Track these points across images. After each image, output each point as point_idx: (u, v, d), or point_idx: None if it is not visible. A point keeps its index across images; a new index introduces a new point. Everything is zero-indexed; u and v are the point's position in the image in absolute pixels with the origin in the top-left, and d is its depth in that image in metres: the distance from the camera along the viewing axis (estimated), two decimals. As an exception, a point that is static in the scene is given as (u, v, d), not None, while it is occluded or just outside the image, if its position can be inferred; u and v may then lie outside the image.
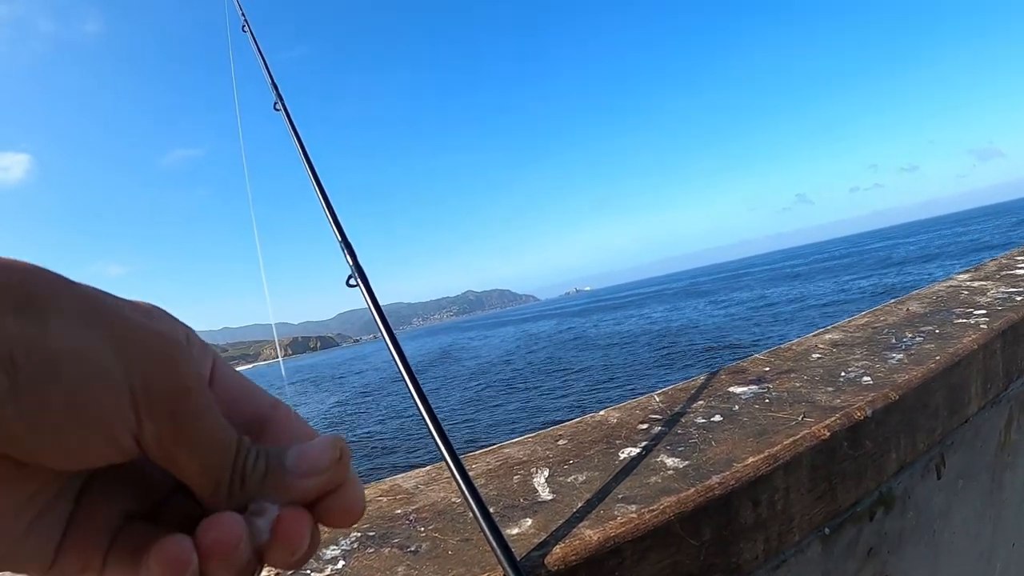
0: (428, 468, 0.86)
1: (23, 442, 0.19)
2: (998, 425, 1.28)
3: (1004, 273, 1.53)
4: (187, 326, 0.26)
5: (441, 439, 0.76)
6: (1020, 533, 1.44)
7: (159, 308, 0.25)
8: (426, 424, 0.76)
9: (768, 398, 0.92)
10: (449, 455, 0.76)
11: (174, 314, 0.26)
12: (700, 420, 0.87)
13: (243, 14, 1.43)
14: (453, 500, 0.78)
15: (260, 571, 0.24)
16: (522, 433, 0.93)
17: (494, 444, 0.88)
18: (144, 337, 0.21)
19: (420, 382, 0.71)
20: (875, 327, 1.22)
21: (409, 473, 0.86)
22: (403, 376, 0.71)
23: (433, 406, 0.76)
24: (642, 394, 1.01)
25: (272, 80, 1.28)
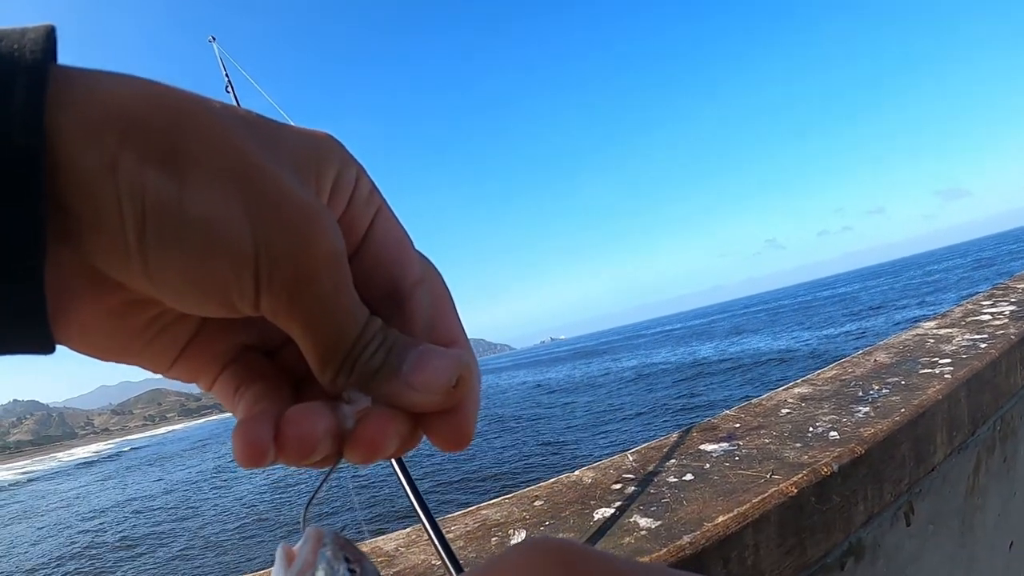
0: (408, 530, 0.88)
1: (144, 289, 0.20)
2: (966, 470, 1.31)
3: (970, 320, 1.58)
4: (358, 164, 0.24)
5: (418, 501, 0.79)
6: (993, 572, 1.46)
7: (327, 147, 0.23)
8: (403, 486, 0.79)
9: (738, 455, 0.95)
10: (426, 517, 0.78)
11: None
12: (672, 479, 0.89)
13: (227, 74, 1.42)
14: (433, 563, 0.80)
15: (339, 460, 0.23)
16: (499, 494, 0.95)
17: (472, 506, 0.90)
18: (282, 211, 0.20)
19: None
20: (843, 379, 1.26)
21: (390, 535, 0.88)
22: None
23: (408, 467, 0.79)
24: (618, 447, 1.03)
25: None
